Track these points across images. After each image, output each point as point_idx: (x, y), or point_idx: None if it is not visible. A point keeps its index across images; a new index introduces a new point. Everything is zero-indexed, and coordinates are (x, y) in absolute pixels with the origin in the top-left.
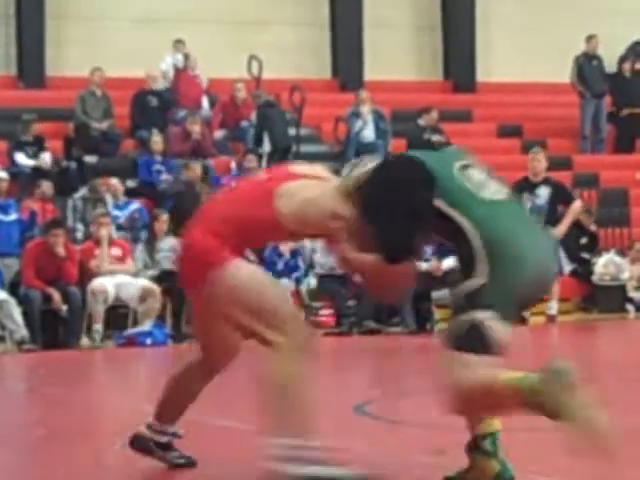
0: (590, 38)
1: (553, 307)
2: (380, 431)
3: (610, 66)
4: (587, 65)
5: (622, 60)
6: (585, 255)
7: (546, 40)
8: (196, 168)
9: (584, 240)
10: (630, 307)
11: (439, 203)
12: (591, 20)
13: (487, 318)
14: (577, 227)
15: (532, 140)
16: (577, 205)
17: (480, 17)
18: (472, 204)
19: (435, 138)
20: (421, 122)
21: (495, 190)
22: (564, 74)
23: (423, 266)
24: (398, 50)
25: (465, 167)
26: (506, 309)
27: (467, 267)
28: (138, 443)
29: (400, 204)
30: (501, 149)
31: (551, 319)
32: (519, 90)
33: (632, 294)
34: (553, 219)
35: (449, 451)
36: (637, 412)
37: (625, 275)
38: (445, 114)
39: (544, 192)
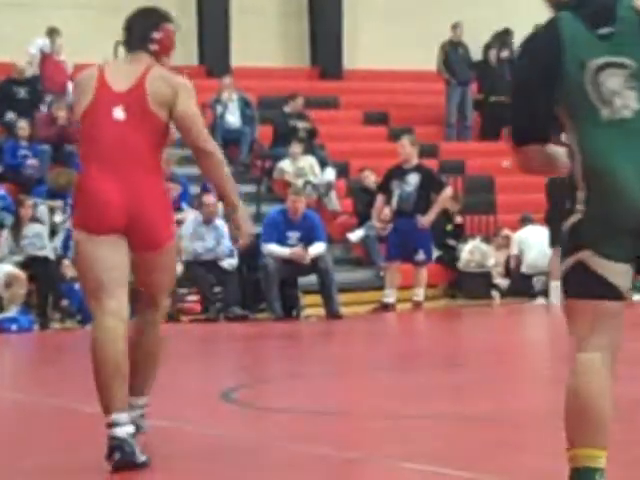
0: (456, 26)
1: (420, 294)
2: (248, 418)
3: (476, 54)
4: (453, 53)
5: (487, 48)
6: (451, 242)
7: (412, 27)
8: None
9: (450, 227)
10: (495, 293)
11: (558, 97)
12: (457, 7)
13: (588, 256)
14: (443, 214)
15: (398, 127)
16: (447, 193)
17: (347, 3)
18: (587, 120)
19: (301, 125)
20: (287, 109)
21: (622, 104)
22: (430, 61)
23: (287, 252)
24: (265, 36)
25: (603, 67)
26: (612, 245)
27: (570, 197)
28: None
29: (514, 79)
30: (367, 136)
31: (417, 305)
32: (386, 77)
33: (497, 280)
34: (422, 206)
35: (319, 438)
36: (499, 396)
37: (490, 262)
38: (312, 101)
39: (413, 179)
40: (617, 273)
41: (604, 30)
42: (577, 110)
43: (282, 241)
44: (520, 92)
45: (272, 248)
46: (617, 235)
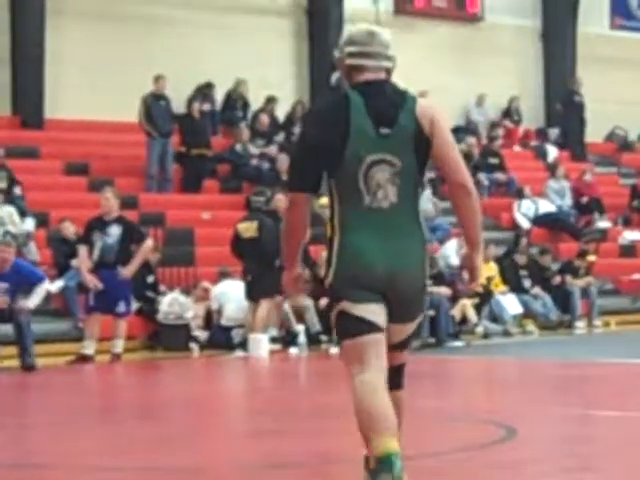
0: (158, 78)
1: (119, 345)
2: None
3: (178, 106)
4: (155, 105)
5: (190, 101)
6: (150, 294)
7: (114, 79)
8: None
9: (150, 279)
10: (194, 345)
11: (336, 175)
12: (159, 60)
13: (347, 304)
14: (144, 266)
15: (99, 178)
16: (148, 245)
17: (50, 53)
18: (352, 202)
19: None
20: None
21: (383, 196)
22: (131, 113)
23: None
24: None
25: (376, 163)
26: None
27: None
28: None
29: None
30: (68, 186)
31: (116, 357)
32: (87, 128)
33: (196, 333)
34: (123, 257)
35: None
36: (197, 448)
37: (189, 314)
38: (12, 150)
39: (115, 231)
40: (371, 312)
41: (384, 130)
42: (347, 191)
43: None
44: (299, 156)
45: None
46: (363, 287)
